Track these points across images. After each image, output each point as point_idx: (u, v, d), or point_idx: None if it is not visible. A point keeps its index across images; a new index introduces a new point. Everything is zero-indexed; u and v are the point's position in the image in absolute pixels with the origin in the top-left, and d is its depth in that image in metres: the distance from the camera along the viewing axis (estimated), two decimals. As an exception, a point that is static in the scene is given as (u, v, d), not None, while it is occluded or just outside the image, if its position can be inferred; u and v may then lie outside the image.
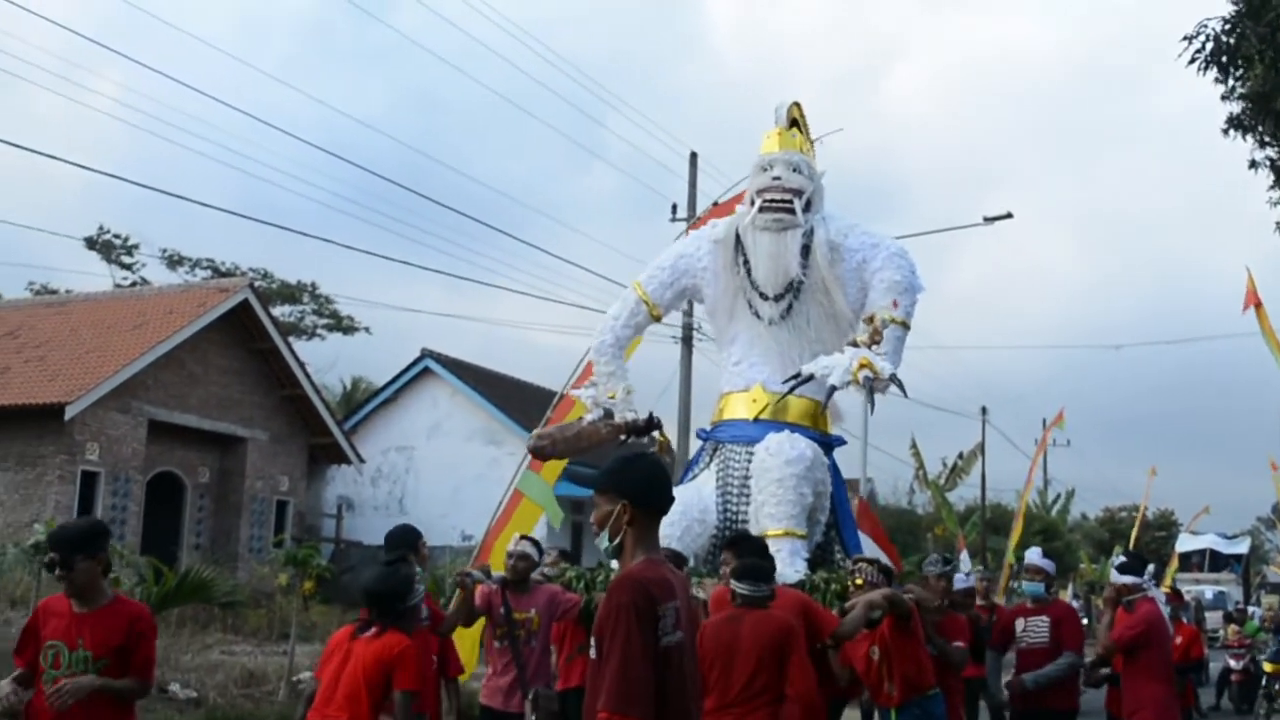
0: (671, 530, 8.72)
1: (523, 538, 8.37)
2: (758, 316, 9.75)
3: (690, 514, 9.16)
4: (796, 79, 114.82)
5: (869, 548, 12.55)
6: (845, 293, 9.64)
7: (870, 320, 9.33)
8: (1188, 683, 10.99)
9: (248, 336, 25.97)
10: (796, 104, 10.43)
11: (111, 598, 5.44)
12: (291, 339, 30.07)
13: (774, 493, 8.89)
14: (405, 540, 7.15)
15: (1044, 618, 8.92)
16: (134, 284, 37.22)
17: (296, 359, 27.18)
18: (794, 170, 9.79)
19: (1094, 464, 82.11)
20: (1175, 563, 36.15)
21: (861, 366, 8.86)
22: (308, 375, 27.58)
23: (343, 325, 41.05)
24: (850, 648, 7.28)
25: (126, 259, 39.51)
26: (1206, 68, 12.63)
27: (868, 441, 28.67)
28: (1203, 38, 12.53)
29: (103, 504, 22.58)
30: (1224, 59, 12.56)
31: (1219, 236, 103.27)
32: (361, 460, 28.56)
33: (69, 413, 21.67)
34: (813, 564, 8.92)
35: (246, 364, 26.14)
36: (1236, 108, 13.21)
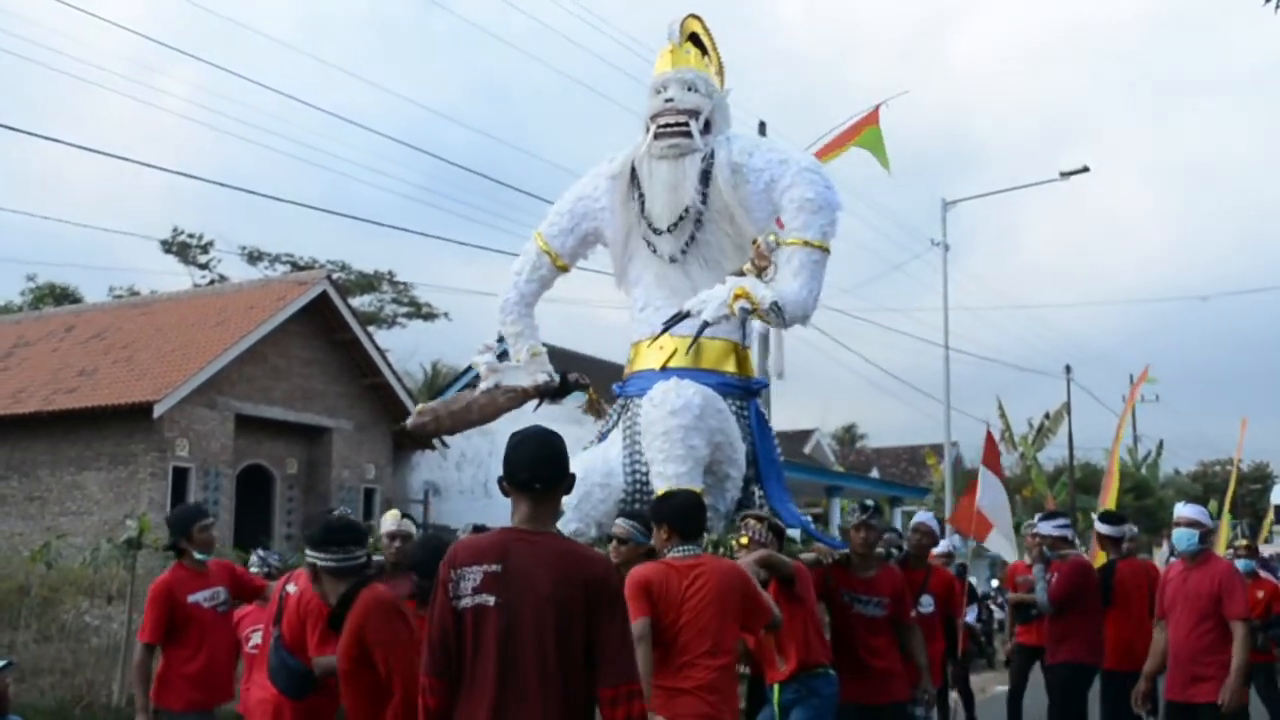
0: (568, 498, 7.83)
1: (405, 515, 7.56)
2: (655, 254, 8.91)
3: (590, 480, 8.28)
4: (865, 43, 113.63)
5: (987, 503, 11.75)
6: (752, 218, 8.74)
7: (755, 245, 8.41)
8: (1270, 641, 10.52)
9: (328, 328, 26.22)
10: (695, 16, 9.37)
11: None
12: (371, 328, 30.35)
13: (660, 447, 8.02)
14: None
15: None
16: (211, 282, 37.76)
17: (377, 348, 27.40)
18: (688, 89, 8.89)
19: (1185, 418, 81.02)
20: (1271, 515, 35.39)
21: (737, 297, 7.96)
22: (388, 363, 27.80)
23: (422, 312, 41.42)
24: None
25: (202, 258, 40.11)
26: (1287, 7, 12.26)
27: (950, 405, 28.41)
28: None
29: (194, 499, 22.91)
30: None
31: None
32: (445, 445, 28.74)
33: (158, 410, 22.03)
34: (733, 524, 7.87)
35: (328, 355, 26.40)
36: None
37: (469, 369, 31.39)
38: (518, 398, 9.08)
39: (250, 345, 24.08)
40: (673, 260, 8.88)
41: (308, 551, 5.14)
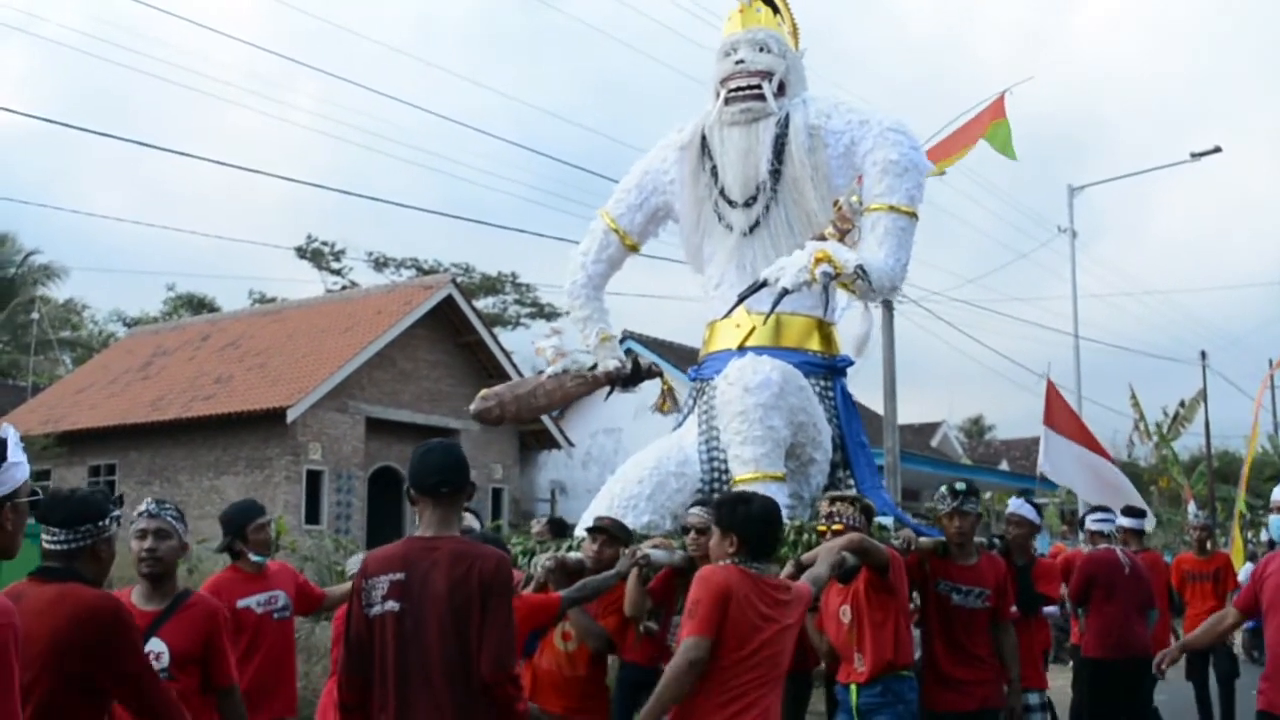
0: (641, 489, 7.65)
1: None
2: (730, 229, 8.29)
3: (664, 468, 7.77)
4: (983, 31, 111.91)
5: (1071, 463, 10.75)
6: (832, 185, 8.06)
7: (836, 206, 7.67)
8: None
9: (453, 330, 26.59)
10: None
11: None
12: (496, 329, 30.68)
13: (738, 429, 7.27)
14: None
15: None
16: (344, 288, 38.52)
17: (501, 349, 27.70)
18: (760, 50, 8.28)
19: (1328, 403, 78.06)
20: None
21: (818, 261, 7.15)
22: (513, 363, 28.08)
23: (544, 313, 41.71)
24: (823, 608, 5.99)
25: (335, 264, 40.93)
26: None
27: (1081, 394, 27.85)
28: None
29: (328, 501, 23.43)
30: None
31: None
32: (571, 444, 28.96)
33: (290, 415, 22.58)
34: (816, 513, 7.12)
35: (454, 357, 26.76)
36: None
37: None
38: (588, 384, 8.65)
39: (378, 349, 24.54)
40: (747, 233, 8.24)
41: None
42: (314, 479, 23.45)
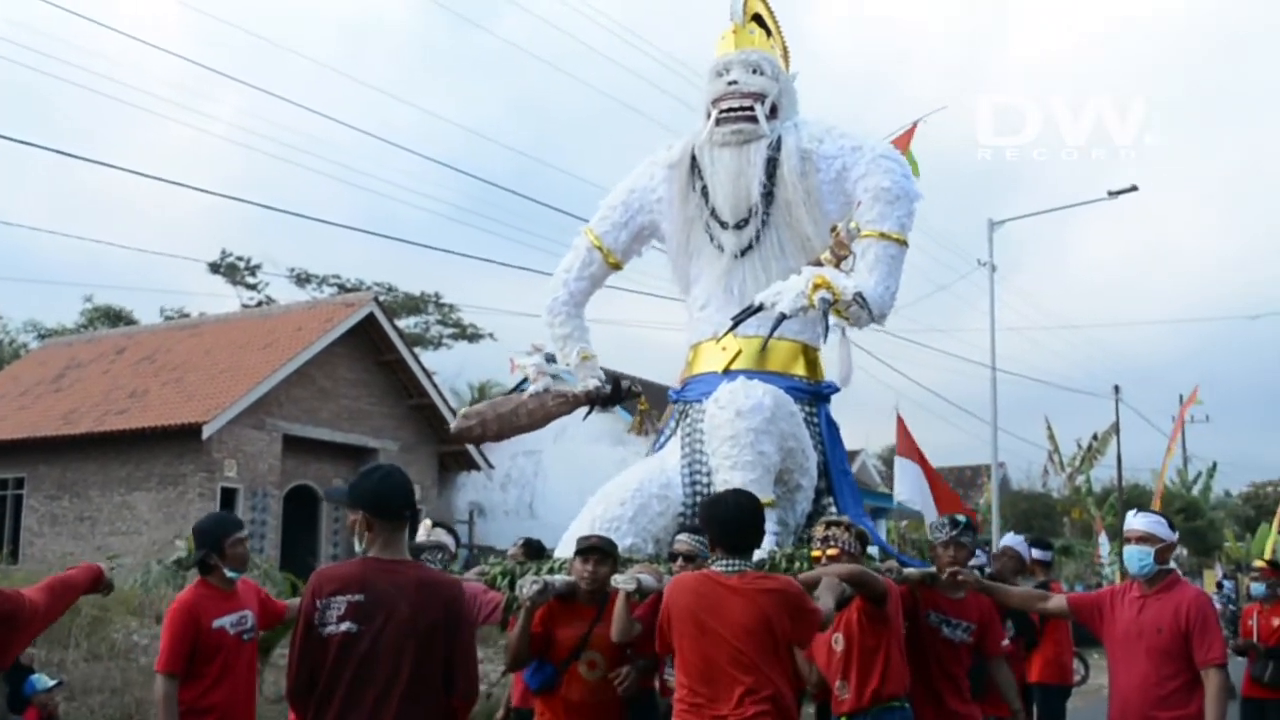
0: (622, 511, 7.51)
1: (436, 525, 7.06)
2: (720, 250, 8.21)
3: (646, 491, 7.67)
4: (909, 67, 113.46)
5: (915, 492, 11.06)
6: (822, 209, 8.06)
7: (834, 231, 7.70)
8: None
9: (374, 349, 26.40)
10: None
11: None
12: (418, 349, 30.54)
13: (727, 453, 7.21)
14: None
15: None
16: (260, 304, 38.15)
17: (423, 368, 27.58)
18: (753, 71, 8.24)
19: (1237, 439, 79.97)
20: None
21: (817, 287, 7.14)
22: (434, 384, 27.96)
23: (467, 333, 41.63)
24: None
25: (250, 280, 40.54)
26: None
27: (997, 425, 28.23)
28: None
29: (242, 519, 23.10)
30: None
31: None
32: (491, 466, 28.86)
33: (206, 432, 22.24)
34: (803, 540, 7.33)
35: (374, 376, 26.57)
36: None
37: (513, 389, 31.50)
38: (568, 404, 8.48)
39: (298, 367, 24.30)
40: (738, 256, 8.18)
41: None
42: (228, 496, 23.11)
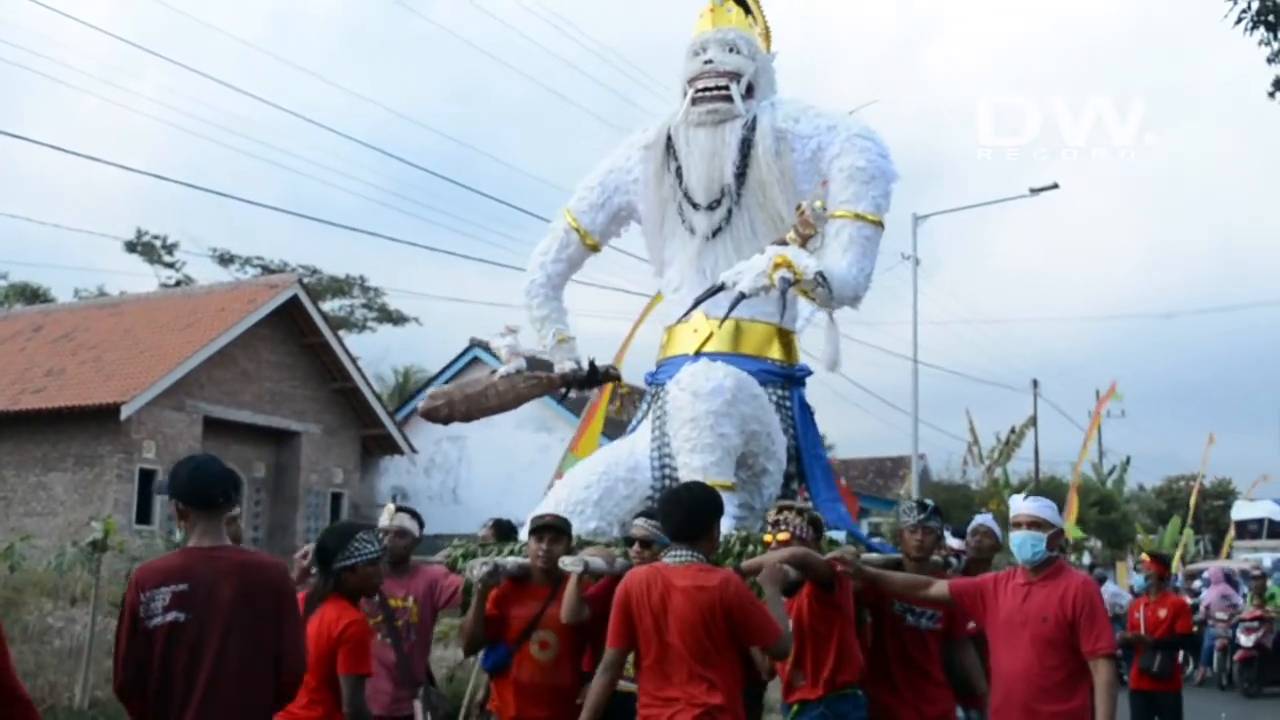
0: (588, 494, 7.45)
1: (400, 509, 6.87)
2: (692, 232, 8.14)
3: (614, 474, 7.62)
4: (839, 59, 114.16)
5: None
6: (797, 190, 7.94)
7: (799, 210, 7.53)
8: (1174, 661, 9.92)
9: (298, 332, 26.18)
10: None
11: None
12: (342, 332, 30.29)
13: (687, 435, 7.06)
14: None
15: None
16: (178, 283, 37.65)
17: (347, 352, 27.39)
18: (729, 50, 8.16)
19: (1151, 434, 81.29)
20: (1232, 531, 35.73)
21: (777, 266, 7.01)
22: (358, 368, 27.77)
23: (392, 317, 41.33)
24: None
25: (168, 259, 39.97)
26: (1253, 28, 12.41)
27: (918, 417, 28.56)
28: (1248, -3, 12.28)
29: (160, 501, 22.84)
30: (1271, 18, 12.35)
31: (1274, 201, 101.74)
32: (414, 450, 28.74)
33: (125, 412, 21.96)
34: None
35: (298, 359, 26.35)
36: (1283, 70, 12.94)
37: (439, 374, 31.46)
38: (541, 386, 8.30)
39: (220, 348, 24.02)
40: (709, 237, 8.07)
41: None
42: (147, 478, 22.80)
